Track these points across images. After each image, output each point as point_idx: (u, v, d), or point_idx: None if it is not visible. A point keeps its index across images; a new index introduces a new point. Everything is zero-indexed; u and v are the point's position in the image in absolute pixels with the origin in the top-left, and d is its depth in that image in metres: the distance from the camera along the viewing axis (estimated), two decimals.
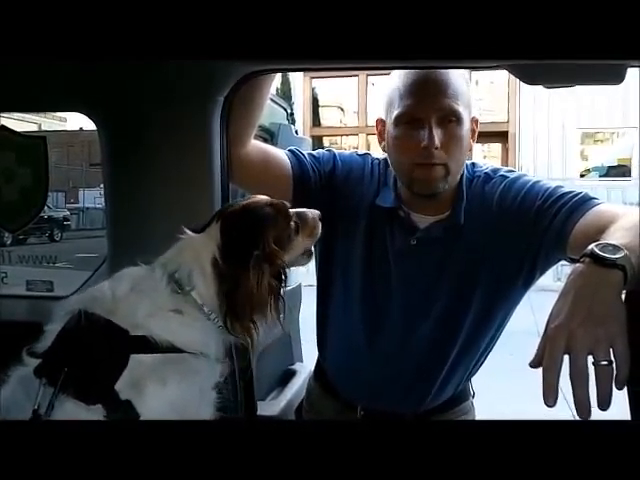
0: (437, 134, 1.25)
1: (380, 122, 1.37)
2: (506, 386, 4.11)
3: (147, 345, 0.98)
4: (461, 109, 1.27)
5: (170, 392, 0.98)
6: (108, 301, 1.02)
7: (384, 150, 1.38)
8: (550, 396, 0.77)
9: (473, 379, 1.51)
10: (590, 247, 0.86)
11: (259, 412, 1.53)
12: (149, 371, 0.97)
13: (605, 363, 0.76)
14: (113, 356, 0.97)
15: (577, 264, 0.85)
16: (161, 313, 1.02)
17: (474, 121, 1.36)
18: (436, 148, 1.25)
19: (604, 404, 0.76)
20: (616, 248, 0.85)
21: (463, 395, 1.48)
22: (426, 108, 1.26)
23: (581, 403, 0.76)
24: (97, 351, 0.98)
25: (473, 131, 1.36)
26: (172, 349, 0.99)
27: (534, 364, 0.80)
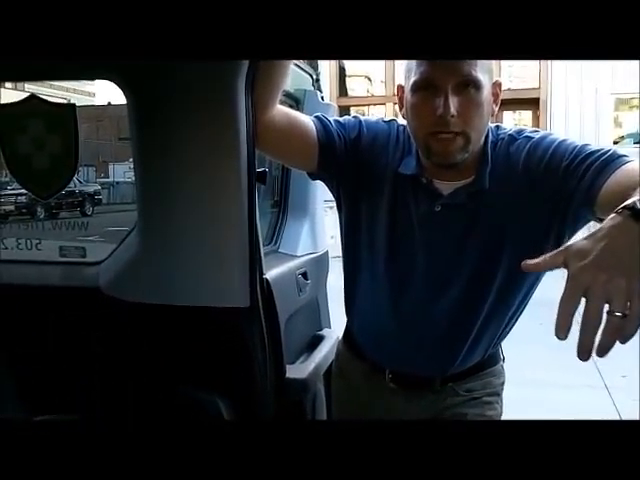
0: (453, 102, 1.22)
1: (400, 89, 1.35)
2: (535, 354, 4.19)
3: None
4: (480, 75, 1.23)
5: None
6: None
7: (404, 117, 1.36)
8: (562, 328, 0.79)
9: (503, 347, 1.51)
10: (633, 200, 0.85)
11: (288, 375, 1.56)
12: None
13: (619, 314, 0.77)
14: None
15: (615, 214, 0.85)
16: None
17: (497, 85, 1.32)
18: (452, 116, 1.22)
19: (603, 352, 0.78)
20: None
21: (493, 359, 1.48)
22: (442, 75, 1.23)
23: (584, 346, 0.78)
24: None
25: (496, 95, 1.32)
26: None
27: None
